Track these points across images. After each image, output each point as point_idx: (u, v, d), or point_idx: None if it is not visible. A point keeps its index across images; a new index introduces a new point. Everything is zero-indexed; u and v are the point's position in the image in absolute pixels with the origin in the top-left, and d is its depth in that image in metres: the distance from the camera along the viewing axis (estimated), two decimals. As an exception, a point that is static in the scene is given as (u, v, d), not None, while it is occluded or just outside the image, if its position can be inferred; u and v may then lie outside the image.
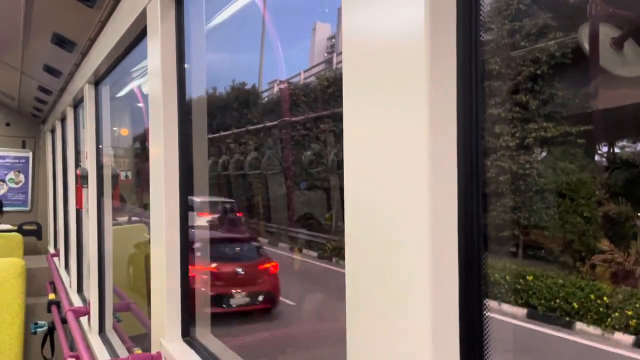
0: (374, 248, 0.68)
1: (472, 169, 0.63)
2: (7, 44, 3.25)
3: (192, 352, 1.58)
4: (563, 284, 5.39)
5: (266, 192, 9.78)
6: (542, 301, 5.41)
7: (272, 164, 9.02)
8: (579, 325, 5.05)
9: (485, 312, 0.64)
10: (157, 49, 1.72)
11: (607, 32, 1.70)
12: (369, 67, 0.70)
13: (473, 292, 0.63)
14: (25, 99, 5.47)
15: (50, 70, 3.65)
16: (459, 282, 0.62)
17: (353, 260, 0.72)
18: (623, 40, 1.64)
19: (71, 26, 2.62)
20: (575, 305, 5.12)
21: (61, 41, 2.81)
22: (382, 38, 0.67)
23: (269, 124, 9.27)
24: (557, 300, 5.29)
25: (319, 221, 8.96)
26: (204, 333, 1.70)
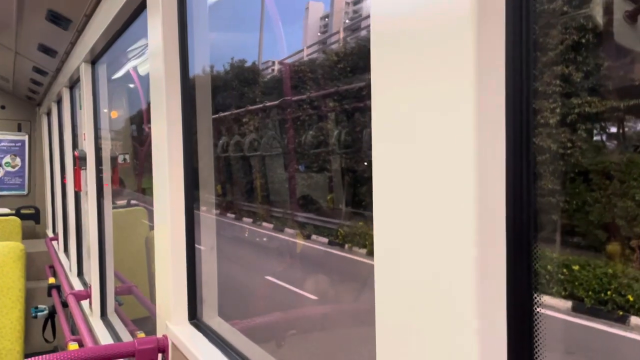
0: (408, 241, 0.62)
1: (522, 151, 0.57)
2: (0, 22, 3.16)
3: (200, 335, 1.55)
4: (614, 273, 4.93)
5: (269, 175, 9.61)
6: (590, 293, 4.97)
7: (274, 145, 8.88)
8: (635, 319, 4.64)
9: (535, 310, 0.59)
10: (157, 24, 1.65)
11: (620, 5, 1.64)
12: (402, 39, 0.63)
13: (522, 286, 0.58)
14: (20, 80, 5.37)
15: (45, 49, 3.56)
16: (507, 279, 0.57)
17: (383, 253, 0.66)
18: (637, 14, 1.59)
19: (66, 1, 2.54)
20: (630, 298, 4.69)
21: (56, 18, 2.73)
22: (419, 8, 0.61)
23: (269, 103, 9.10)
24: (608, 292, 4.84)
25: (329, 206, 8.75)
26: (211, 315, 1.67)
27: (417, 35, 0.61)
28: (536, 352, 0.59)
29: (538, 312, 0.59)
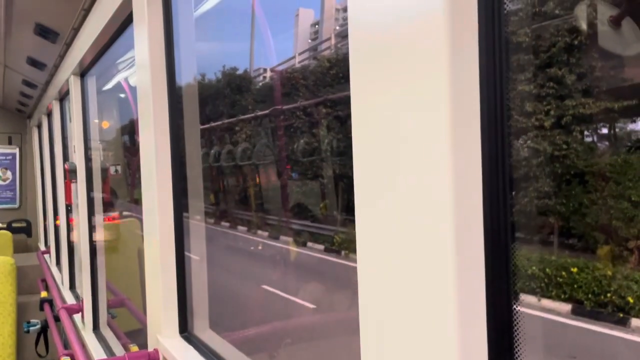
0: (389, 244, 0.64)
1: (498, 154, 0.58)
2: None
3: (191, 348, 1.54)
4: (613, 275, 4.83)
5: (263, 183, 9.55)
6: (590, 296, 4.84)
7: (267, 153, 8.83)
8: (636, 321, 4.54)
9: (514, 307, 0.60)
10: (144, 37, 1.65)
11: (604, 10, 1.66)
12: (380, 47, 0.64)
13: (501, 286, 0.59)
14: (9, 93, 5.36)
15: (34, 62, 3.56)
16: (486, 277, 0.58)
17: (366, 256, 0.67)
18: (621, 18, 1.61)
19: (53, 15, 2.53)
20: (630, 300, 4.57)
21: (44, 32, 2.72)
22: (394, 13, 0.62)
23: (260, 112, 9.06)
24: (608, 295, 4.72)
25: (324, 213, 8.67)
26: (202, 328, 1.66)
27: (393, 41, 0.62)
28: (516, 353, 0.60)
29: (518, 312, 0.60)
